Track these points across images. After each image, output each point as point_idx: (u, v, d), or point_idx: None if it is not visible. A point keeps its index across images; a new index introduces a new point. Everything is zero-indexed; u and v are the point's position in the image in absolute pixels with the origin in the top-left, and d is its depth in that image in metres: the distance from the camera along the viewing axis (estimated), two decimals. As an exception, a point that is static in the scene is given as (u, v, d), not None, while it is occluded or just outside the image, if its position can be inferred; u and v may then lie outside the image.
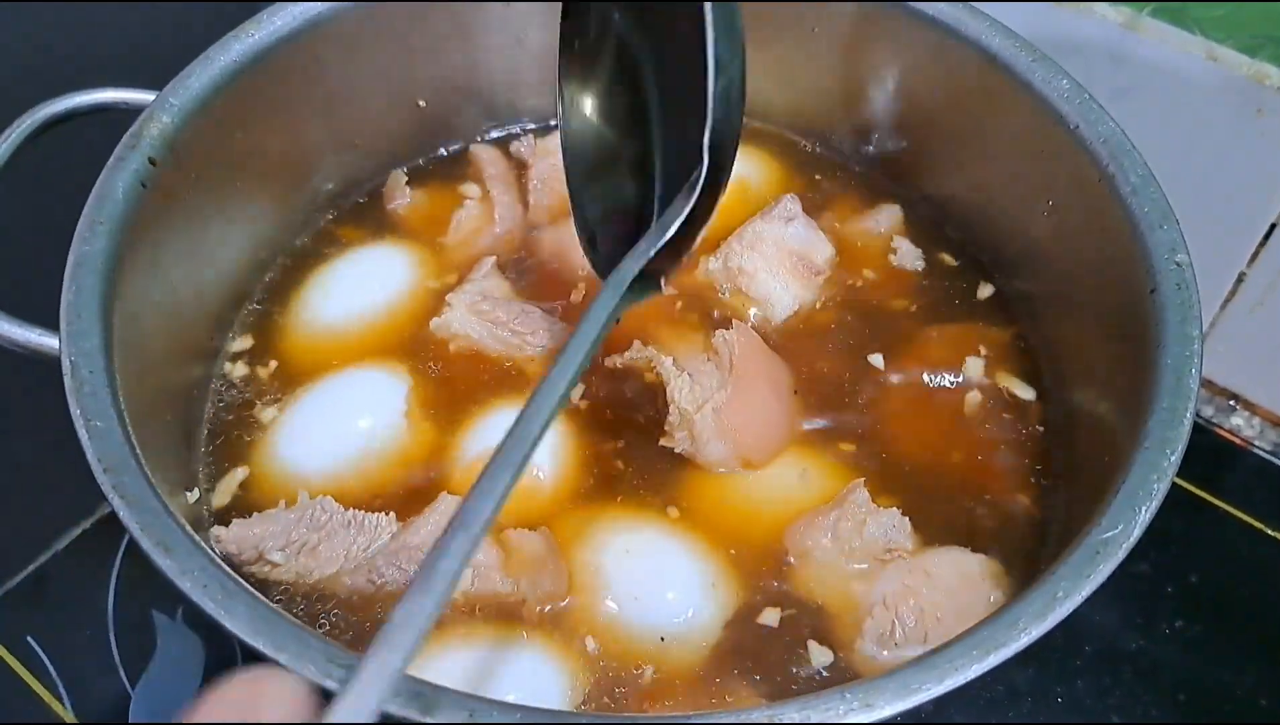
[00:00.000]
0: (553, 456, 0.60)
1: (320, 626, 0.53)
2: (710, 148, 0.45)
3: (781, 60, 0.75)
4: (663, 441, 0.60)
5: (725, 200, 0.70)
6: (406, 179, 0.74)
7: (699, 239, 0.49)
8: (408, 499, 0.58)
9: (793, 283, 0.67)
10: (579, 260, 0.69)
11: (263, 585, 0.54)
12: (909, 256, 0.71)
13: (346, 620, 0.53)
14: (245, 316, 0.67)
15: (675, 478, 0.59)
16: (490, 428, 0.61)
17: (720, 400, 0.58)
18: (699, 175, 0.46)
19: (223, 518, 0.57)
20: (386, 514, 0.56)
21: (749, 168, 0.76)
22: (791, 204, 0.69)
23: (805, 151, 0.79)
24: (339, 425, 0.61)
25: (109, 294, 0.52)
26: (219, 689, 0.31)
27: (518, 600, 0.53)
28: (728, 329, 0.61)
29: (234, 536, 0.54)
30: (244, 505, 0.58)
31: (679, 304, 0.68)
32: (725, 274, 0.68)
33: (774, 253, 0.67)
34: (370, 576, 0.53)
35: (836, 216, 0.74)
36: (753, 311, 0.67)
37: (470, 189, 0.75)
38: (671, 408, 0.59)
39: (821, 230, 0.71)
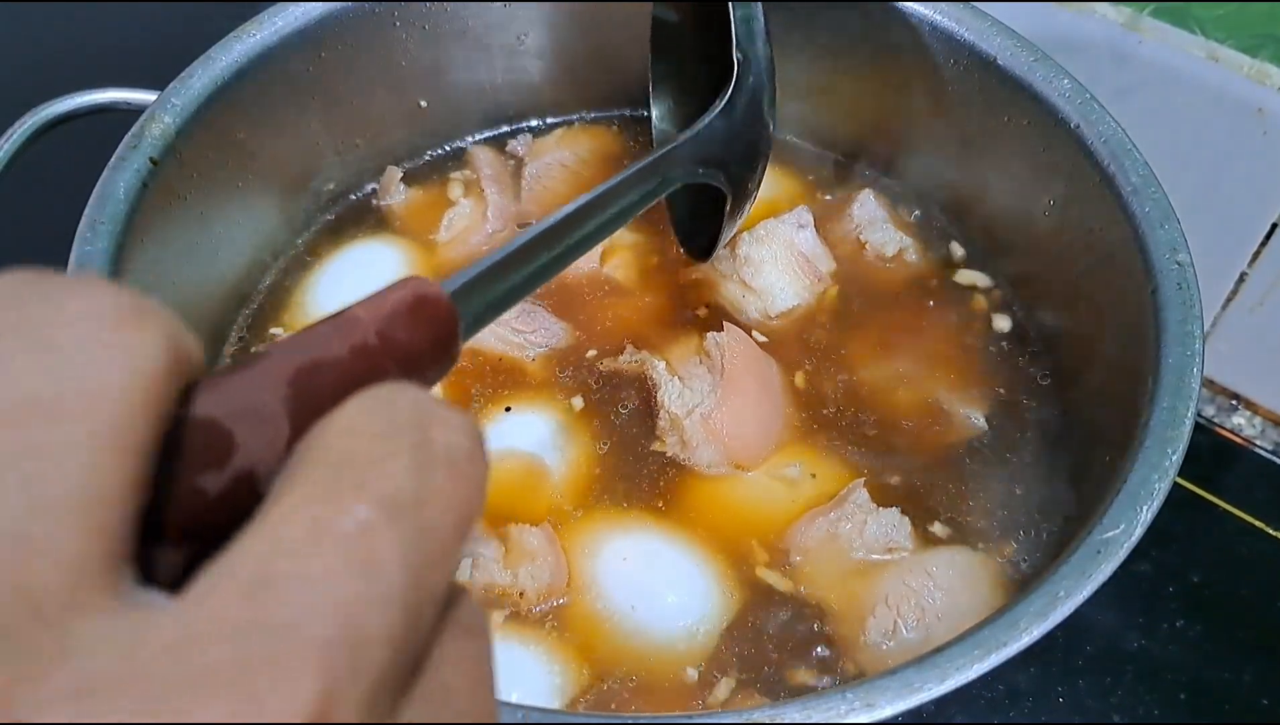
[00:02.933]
0: (553, 460, 0.60)
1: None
2: (740, 57, 0.57)
3: (780, 61, 0.75)
4: (655, 446, 0.60)
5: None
6: (401, 175, 0.74)
7: (756, 171, 0.60)
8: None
9: (795, 281, 0.68)
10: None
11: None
12: (911, 257, 0.71)
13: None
14: (247, 317, 0.67)
15: (673, 481, 0.59)
16: (490, 425, 0.61)
17: (709, 404, 0.59)
18: (729, 85, 0.57)
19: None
20: None
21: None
22: (805, 215, 0.70)
23: (804, 152, 0.79)
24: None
25: (110, 294, 0.52)
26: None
27: (516, 593, 0.53)
28: (720, 331, 0.61)
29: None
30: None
31: (683, 278, 0.68)
32: (732, 263, 0.68)
33: (782, 251, 0.68)
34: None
35: (836, 216, 0.74)
36: (752, 304, 0.67)
37: (463, 187, 0.75)
38: (661, 412, 0.60)
39: (823, 234, 0.71)
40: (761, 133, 0.59)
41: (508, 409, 0.62)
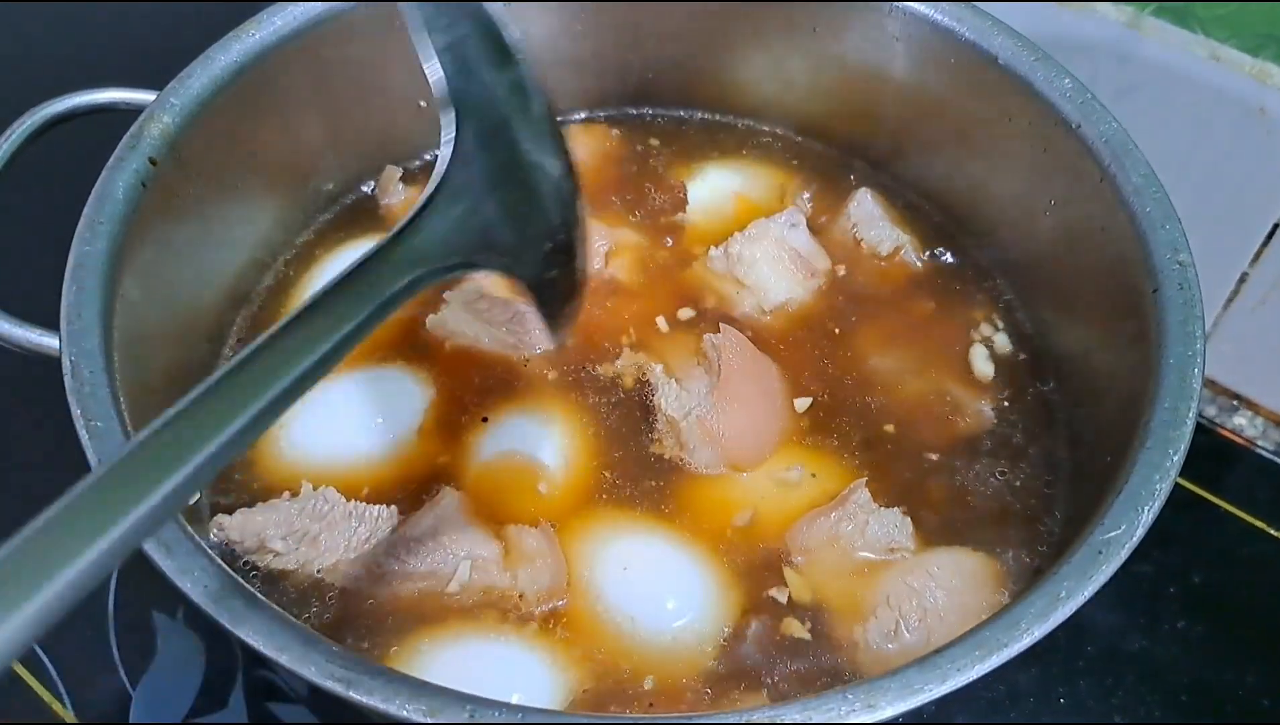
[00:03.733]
0: (552, 463, 0.60)
1: (317, 615, 0.53)
2: (455, 106, 0.41)
3: (782, 61, 0.75)
4: (654, 448, 0.60)
5: (733, 207, 0.69)
6: (401, 175, 0.74)
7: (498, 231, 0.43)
8: (407, 493, 0.58)
9: (788, 277, 0.68)
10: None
11: (265, 575, 0.54)
12: (910, 255, 0.71)
13: (343, 609, 0.53)
14: (246, 316, 0.67)
15: (672, 483, 0.59)
16: (488, 425, 0.61)
17: (705, 406, 0.59)
18: (450, 133, 0.42)
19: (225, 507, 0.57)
20: (388, 507, 0.56)
21: (746, 180, 0.76)
22: (796, 215, 0.70)
23: (806, 151, 0.79)
24: (341, 422, 0.61)
25: (109, 294, 0.52)
26: None
27: (516, 594, 0.53)
28: (716, 333, 0.61)
29: (237, 525, 0.54)
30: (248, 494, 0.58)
31: (676, 277, 0.68)
32: (725, 261, 0.68)
33: (774, 248, 0.68)
34: (370, 567, 0.54)
35: (833, 214, 0.74)
36: (746, 299, 0.67)
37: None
38: (658, 415, 0.60)
39: (821, 233, 0.71)
40: (530, 177, 0.43)
41: (484, 419, 0.61)
